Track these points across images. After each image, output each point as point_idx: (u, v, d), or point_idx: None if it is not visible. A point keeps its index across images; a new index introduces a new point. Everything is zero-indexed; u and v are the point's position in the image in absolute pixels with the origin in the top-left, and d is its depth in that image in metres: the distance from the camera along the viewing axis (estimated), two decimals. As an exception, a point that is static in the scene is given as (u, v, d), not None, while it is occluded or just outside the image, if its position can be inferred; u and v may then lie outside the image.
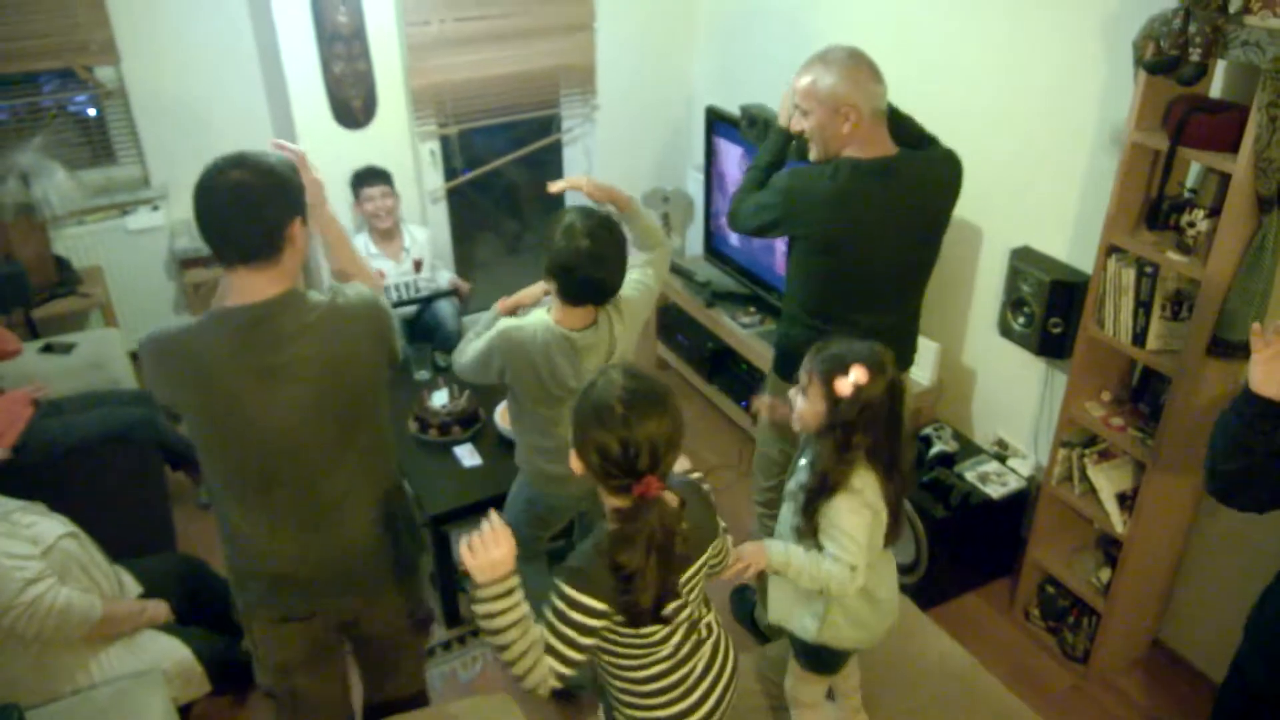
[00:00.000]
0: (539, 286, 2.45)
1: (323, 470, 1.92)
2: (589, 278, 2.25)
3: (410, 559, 2.18)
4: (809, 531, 1.96)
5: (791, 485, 2.07)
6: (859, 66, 2.35)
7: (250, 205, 1.75)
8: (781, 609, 2.12)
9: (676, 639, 1.74)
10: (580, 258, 2.21)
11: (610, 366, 1.65)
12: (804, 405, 1.95)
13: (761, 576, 2.17)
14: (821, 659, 2.13)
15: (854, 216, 2.39)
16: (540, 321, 2.34)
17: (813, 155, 2.47)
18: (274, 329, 1.80)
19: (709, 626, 1.84)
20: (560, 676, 1.60)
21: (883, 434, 1.91)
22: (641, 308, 2.45)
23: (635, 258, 2.47)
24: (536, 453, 2.54)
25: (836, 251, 2.45)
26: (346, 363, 1.87)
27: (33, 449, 3.13)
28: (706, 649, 1.82)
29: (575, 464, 1.62)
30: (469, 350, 2.44)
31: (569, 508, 2.72)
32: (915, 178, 2.44)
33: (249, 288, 1.80)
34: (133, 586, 2.60)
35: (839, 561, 1.90)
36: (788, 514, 2.07)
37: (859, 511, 1.90)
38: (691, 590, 1.74)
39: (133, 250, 4.41)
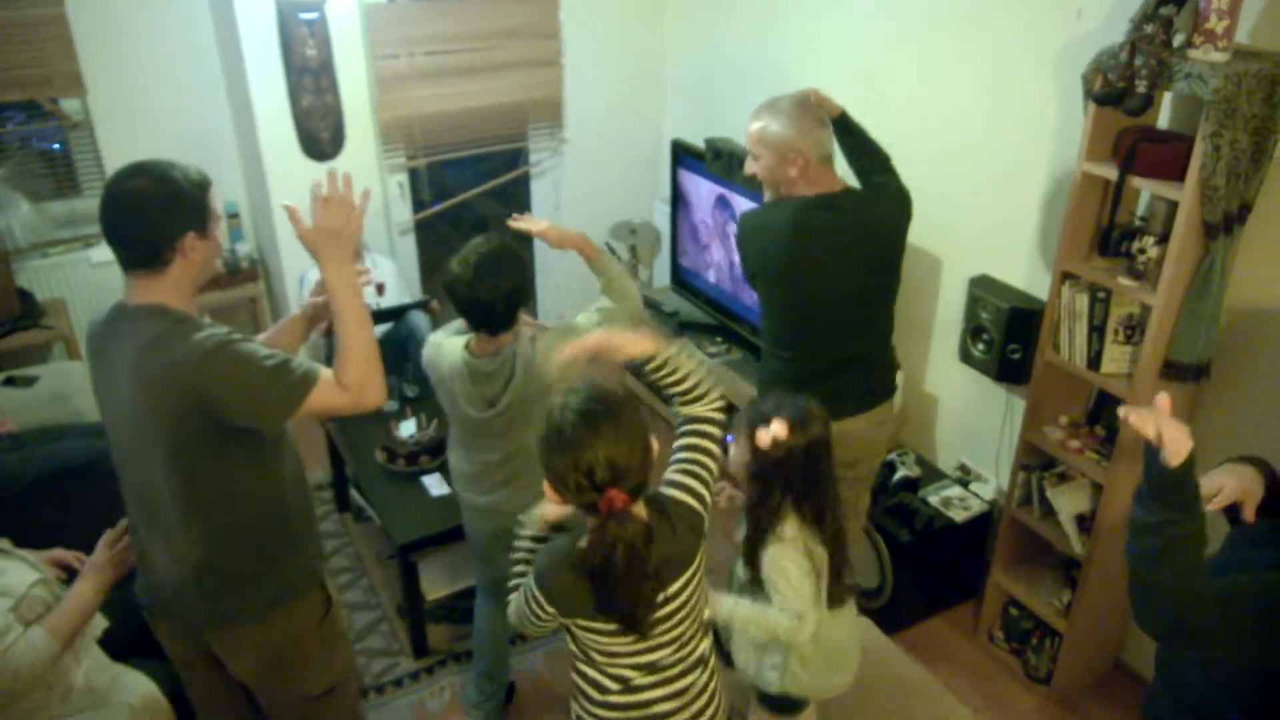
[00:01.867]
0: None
1: (148, 484, 1.92)
2: (465, 300, 2.30)
3: (257, 614, 2.02)
4: (754, 581, 2.00)
5: (738, 536, 2.12)
6: (805, 114, 2.47)
7: (141, 214, 1.79)
8: (743, 660, 2.14)
9: (637, 661, 1.71)
10: (457, 281, 2.28)
11: (569, 389, 1.65)
12: (735, 452, 2.02)
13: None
14: (781, 703, 2.15)
15: (805, 246, 2.48)
16: (456, 343, 2.42)
17: (766, 197, 2.61)
18: (120, 331, 1.84)
19: (690, 673, 1.77)
20: (516, 622, 1.78)
21: (802, 486, 1.96)
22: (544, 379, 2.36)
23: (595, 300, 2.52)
24: (456, 475, 2.61)
25: (794, 282, 2.53)
26: (152, 394, 1.80)
27: (-7, 483, 3.09)
28: (682, 690, 1.76)
29: (549, 493, 1.63)
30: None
31: (486, 539, 2.63)
32: (860, 209, 2.57)
33: (131, 290, 1.86)
34: (98, 620, 2.56)
35: (784, 610, 1.93)
36: (739, 564, 2.11)
37: (795, 559, 1.93)
38: (676, 611, 1.70)
39: (96, 283, 4.36)
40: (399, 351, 4.15)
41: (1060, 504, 2.87)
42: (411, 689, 3.08)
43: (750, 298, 3.86)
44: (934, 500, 3.28)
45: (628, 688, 1.73)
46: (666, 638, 1.71)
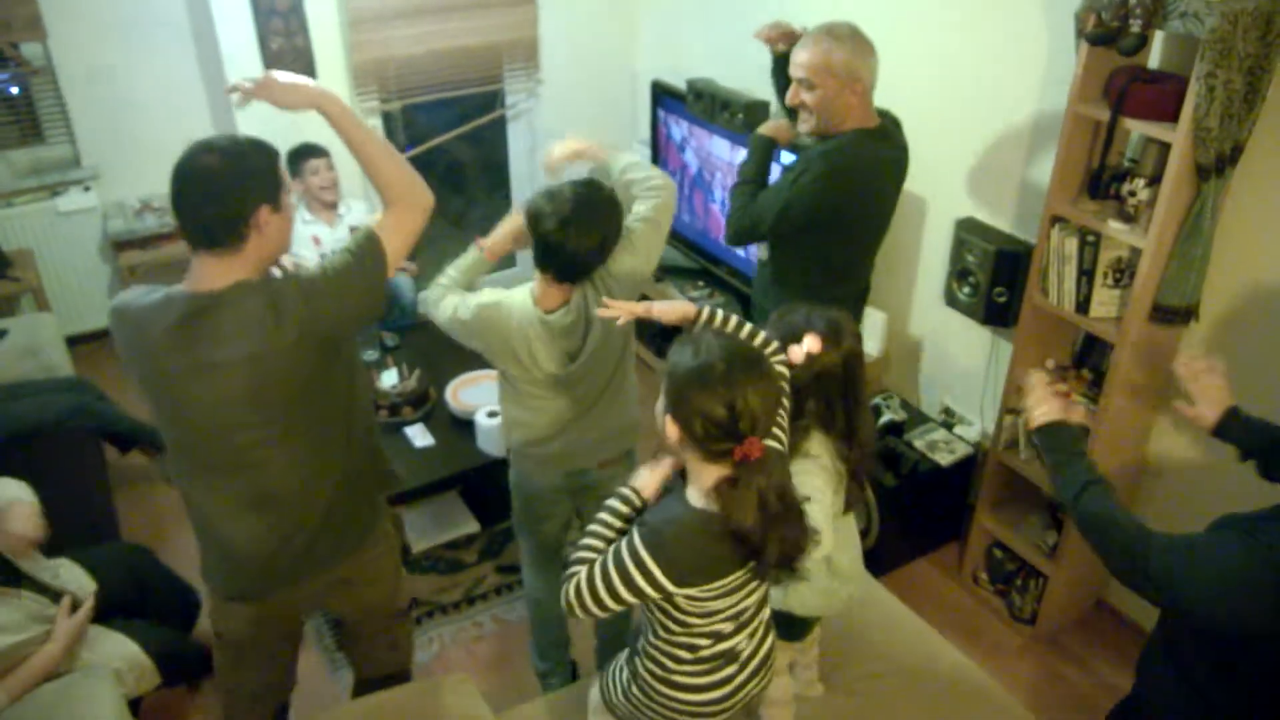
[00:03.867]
0: (515, 221, 2.32)
1: (259, 460, 1.87)
2: (553, 249, 2.14)
3: (373, 530, 2.12)
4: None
5: None
6: (863, 40, 2.46)
7: (214, 190, 1.72)
8: None
9: (731, 612, 1.69)
10: (546, 229, 2.12)
11: (703, 333, 1.59)
12: None
13: None
14: (790, 626, 2.15)
15: (877, 183, 2.55)
16: (519, 301, 2.26)
17: (806, 127, 2.53)
18: (213, 325, 1.76)
19: (759, 612, 1.79)
20: (579, 600, 1.63)
21: (837, 401, 1.92)
22: (632, 285, 2.32)
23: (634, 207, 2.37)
24: (515, 427, 2.43)
25: (860, 220, 2.55)
26: (281, 364, 1.79)
27: (-35, 440, 3.03)
28: (754, 630, 1.78)
29: (671, 431, 1.56)
30: (444, 305, 2.32)
31: (552, 498, 2.54)
32: (898, 139, 2.61)
33: (204, 274, 1.78)
34: (87, 582, 2.53)
35: None
36: None
37: (818, 475, 1.91)
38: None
39: (64, 233, 4.27)
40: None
41: (1069, 413, 2.87)
42: (400, 640, 3.09)
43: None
44: (919, 444, 3.28)
45: (719, 638, 1.72)
46: (753, 586, 1.70)
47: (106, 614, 2.50)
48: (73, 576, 2.50)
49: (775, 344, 1.79)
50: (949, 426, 3.39)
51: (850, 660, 2.37)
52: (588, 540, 1.70)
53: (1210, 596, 1.61)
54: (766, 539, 1.55)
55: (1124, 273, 2.59)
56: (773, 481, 1.54)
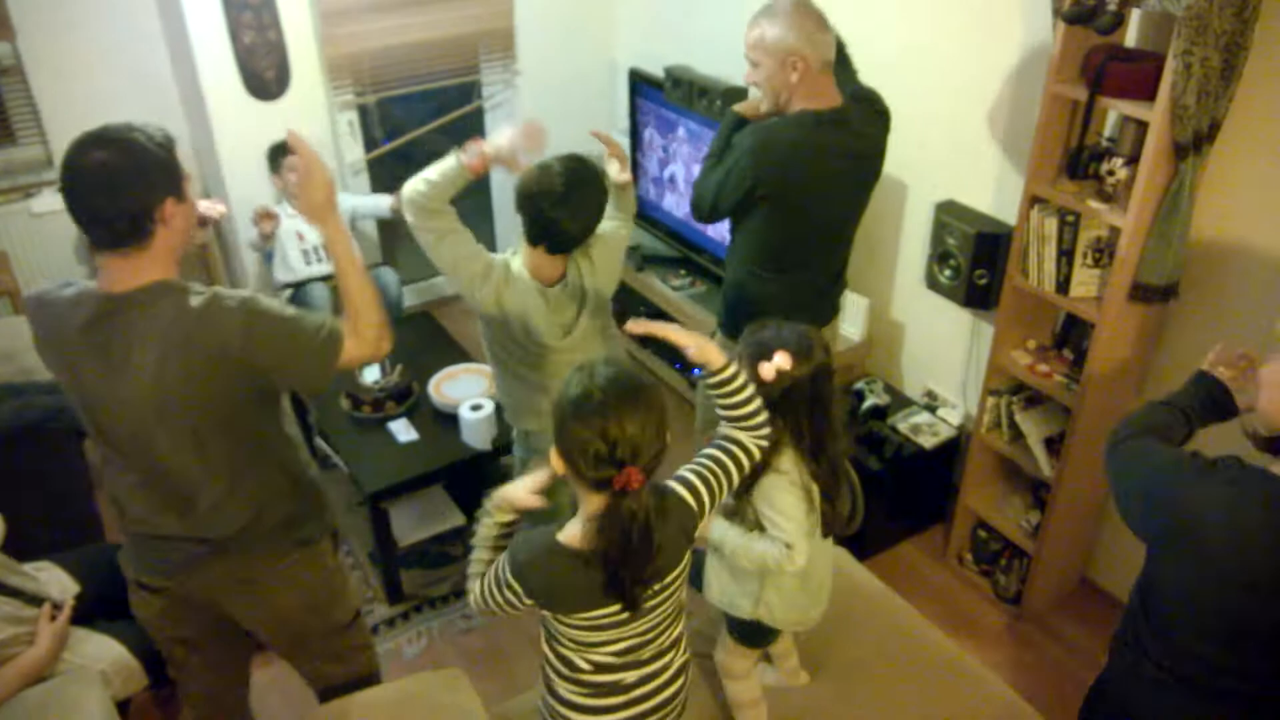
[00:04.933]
0: (507, 134, 2.32)
1: (168, 460, 1.82)
2: (545, 225, 2.22)
3: (292, 548, 2.04)
4: (740, 511, 1.98)
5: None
6: (804, 16, 2.39)
7: (114, 187, 1.65)
8: (715, 591, 2.13)
9: (612, 648, 1.69)
10: (551, 204, 2.20)
11: (588, 362, 1.60)
12: None
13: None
14: (753, 634, 2.15)
15: (815, 166, 2.45)
16: (517, 272, 2.31)
17: (764, 107, 2.52)
18: (124, 326, 1.71)
19: (665, 653, 1.76)
20: (480, 606, 1.73)
21: (805, 418, 1.90)
22: (615, 247, 2.45)
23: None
24: (519, 383, 2.46)
25: (795, 201, 2.49)
26: (195, 376, 1.73)
27: (-57, 446, 3.00)
28: (653, 671, 1.76)
29: (555, 462, 1.58)
30: (435, 229, 2.29)
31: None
32: (861, 127, 2.52)
33: (114, 275, 1.73)
34: (70, 585, 2.51)
35: (775, 541, 1.91)
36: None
37: (789, 490, 1.91)
38: (659, 605, 1.68)
39: (39, 234, 4.21)
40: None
41: (1029, 427, 2.90)
42: (387, 635, 3.08)
43: (714, 230, 3.81)
44: (903, 427, 3.29)
45: (599, 669, 1.72)
46: (644, 625, 1.69)
47: (91, 615, 2.47)
48: (54, 579, 2.48)
49: (767, 430, 1.76)
50: (932, 409, 3.40)
51: (835, 645, 2.38)
52: (475, 553, 1.78)
53: (1121, 494, 1.75)
54: (622, 567, 1.56)
55: (1103, 252, 2.60)
56: (642, 513, 1.54)
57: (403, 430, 3.20)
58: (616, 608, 1.62)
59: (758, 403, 1.73)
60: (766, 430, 1.75)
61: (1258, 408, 1.70)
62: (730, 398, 1.71)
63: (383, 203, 4.20)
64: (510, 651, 3.01)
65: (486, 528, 1.77)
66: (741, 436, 1.73)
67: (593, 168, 2.28)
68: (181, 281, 1.77)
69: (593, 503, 1.57)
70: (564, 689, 1.76)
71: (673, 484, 1.67)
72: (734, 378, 1.69)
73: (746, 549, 1.94)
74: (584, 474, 1.53)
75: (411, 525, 3.29)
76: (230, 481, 1.89)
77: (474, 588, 1.73)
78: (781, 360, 1.83)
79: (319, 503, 2.10)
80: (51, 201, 4.18)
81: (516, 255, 2.39)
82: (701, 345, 1.71)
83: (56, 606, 2.36)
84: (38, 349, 1.85)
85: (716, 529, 1.98)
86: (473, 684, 2.30)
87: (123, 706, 2.41)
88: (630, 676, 1.73)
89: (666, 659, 1.77)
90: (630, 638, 1.69)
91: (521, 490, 1.74)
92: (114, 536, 3.22)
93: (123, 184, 1.65)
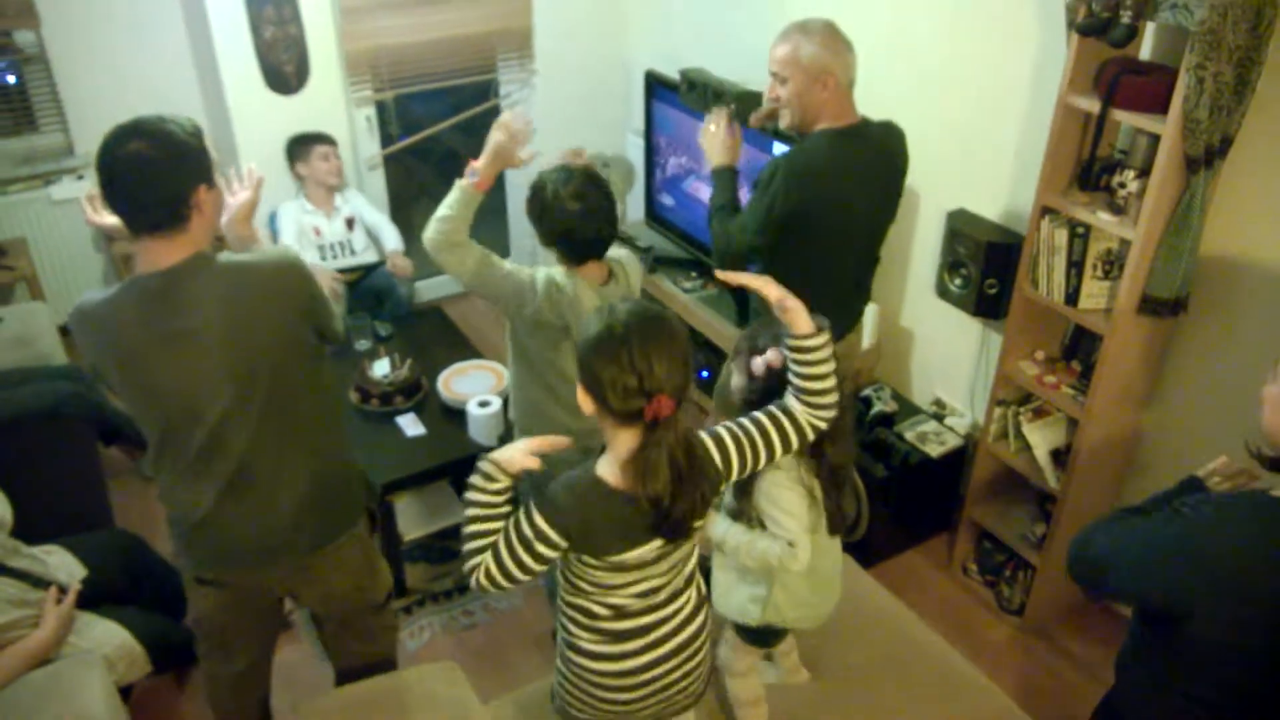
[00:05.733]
0: (496, 140, 2.39)
1: (236, 439, 1.87)
2: (587, 238, 2.31)
3: (345, 528, 2.12)
4: (741, 510, 1.98)
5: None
6: (836, 36, 2.45)
7: (152, 176, 1.73)
8: (721, 600, 2.13)
9: (632, 590, 1.70)
10: (574, 219, 2.28)
11: (613, 302, 1.62)
12: (735, 378, 1.97)
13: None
14: (760, 634, 2.15)
15: (844, 182, 2.49)
16: (576, 282, 2.35)
17: (785, 122, 2.55)
18: (180, 295, 1.79)
19: (680, 593, 1.77)
20: (491, 581, 1.64)
21: None
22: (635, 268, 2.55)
23: None
24: (545, 400, 2.49)
25: (826, 219, 2.50)
26: (251, 328, 1.82)
27: (-41, 428, 3.04)
28: (671, 613, 1.76)
29: (583, 401, 1.58)
30: (471, 257, 2.33)
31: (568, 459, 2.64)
32: (880, 142, 2.57)
33: (157, 256, 1.79)
34: (76, 568, 2.54)
35: (776, 539, 1.91)
36: (727, 492, 2.09)
37: (790, 487, 1.90)
38: (674, 551, 1.69)
39: (58, 221, 4.26)
40: (372, 296, 4.12)
41: (1036, 439, 2.89)
42: (391, 629, 3.09)
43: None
44: (910, 435, 3.29)
45: (619, 614, 1.72)
46: (664, 567, 1.70)
47: (97, 600, 2.50)
48: (62, 562, 2.51)
49: (831, 412, 1.73)
50: (940, 418, 3.39)
51: (835, 648, 2.38)
52: (475, 525, 1.66)
53: (1134, 572, 1.65)
54: (675, 500, 1.57)
55: (1113, 264, 2.60)
56: (679, 438, 1.56)
57: (410, 424, 3.22)
58: (652, 545, 1.63)
59: (833, 381, 1.69)
60: (832, 413, 1.71)
61: (1263, 427, 1.69)
62: (807, 366, 1.67)
63: (388, 235, 4.22)
64: (511, 648, 3.02)
65: (487, 496, 1.66)
66: (797, 409, 1.69)
67: (586, 172, 2.34)
68: (213, 253, 1.85)
69: (625, 440, 1.57)
70: (584, 639, 1.76)
71: (702, 434, 1.66)
72: (818, 346, 1.65)
73: (749, 547, 1.93)
74: (614, 408, 1.53)
75: (417, 520, 3.31)
76: (289, 461, 1.95)
77: (483, 561, 1.65)
78: (772, 357, 1.84)
79: (362, 482, 2.18)
80: (71, 189, 4.23)
81: (554, 268, 2.40)
82: (790, 303, 1.68)
83: (63, 590, 2.39)
84: (94, 360, 1.88)
85: (718, 527, 1.97)
86: (473, 678, 2.32)
87: (125, 692, 2.44)
88: (647, 619, 1.74)
89: (682, 599, 1.78)
90: (652, 578, 1.70)
91: (519, 453, 1.68)
92: (123, 522, 3.26)
93: (160, 172, 1.73)
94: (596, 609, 1.72)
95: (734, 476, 1.69)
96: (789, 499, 1.90)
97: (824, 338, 1.66)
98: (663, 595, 1.74)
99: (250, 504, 1.94)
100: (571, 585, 1.73)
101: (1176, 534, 1.61)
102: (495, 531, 1.65)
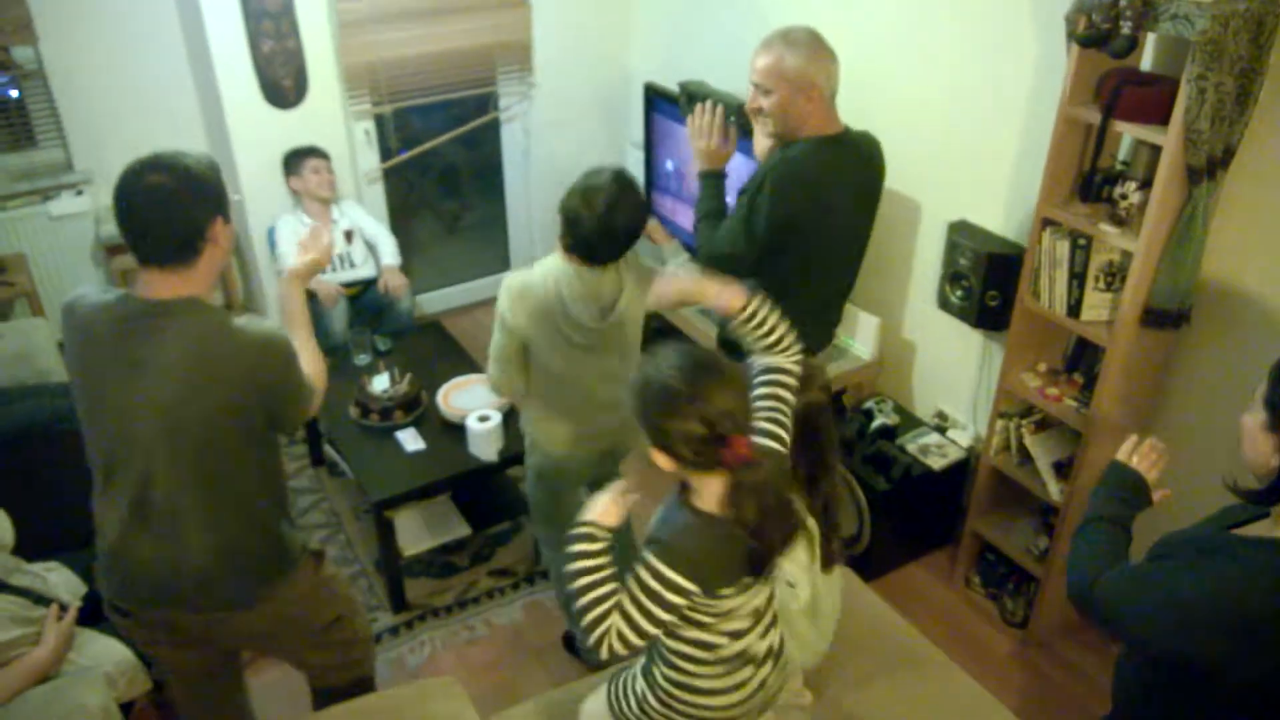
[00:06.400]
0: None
1: (160, 478, 1.86)
2: (590, 236, 2.29)
3: (266, 592, 2.05)
4: None
5: None
6: (820, 46, 2.44)
7: (168, 210, 1.76)
8: None
9: (747, 610, 1.71)
10: (580, 218, 2.27)
11: (652, 352, 1.61)
12: None
13: None
14: None
15: (833, 189, 2.49)
16: (548, 264, 2.38)
17: (768, 130, 2.53)
18: (154, 330, 1.79)
19: (770, 599, 1.80)
20: (624, 644, 1.59)
21: (800, 451, 1.86)
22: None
23: None
24: (546, 406, 2.53)
25: (808, 227, 2.49)
26: (201, 388, 1.81)
27: (-42, 444, 3.02)
28: (766, 627, 1.79)
29: (661, 461, 1.57)
30: (493, 354, 2.49)
31: (576, 472, 2.67)
32: (862, 150, 2.57)
33: (153, 286, 1.81)
34: (77, 585, 2.52)
35: (775, 580, 1.89)
36: None
37: None
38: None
39: (57, 236, 4.25)
40: (372, 310, 4.11)
41: (1038, 451, 2.88)
42: (391, 644, 3.08)
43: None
44: (911, 448, 3.28)
45: (736, 636, 1.72)
46: (766, 575, 1.72)
47: (98, 617, 2.48)
48: (63, 579, 2.49)
49: (798, 345, 1.79)
50: (942, 430, 3.38)
51: (837, 665, 2.36)
52: (592, 593, 1.60)
53: (1160, 630, 1.59)
54: (769, 533, 1.59)
55: (1115, 276, 2.59)
56: (768, 478, 1.58)
57: (410, 439, 3.20)
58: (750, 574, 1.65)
59: (785, 324, 1.77)
60: (798, 347, 1.78)
61: (1243, 458, 1.67)
62: (761, 329, 1.75)
63: (385, 249, 4.20)
64: (511, 663, 3.00)
65: (594, 561, 1.62)
66: (781, 361, 1.77)
67: (633, 185, 2.34)
68: (211, 303, 1.87)
69: (712, 486, 1.58)
70: (701, 678, 1.74)
71: (755, 438, 1.67)
72: (759, 308, 1.75)
73: None
74: (692, 461, 1.54)
75: (417, 535, 3.30)
76: (209, 517, 1.92)
77: (611, 625, 1.58)
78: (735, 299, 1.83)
79: (294, 532, 2.12)
80: (70, 204, 4.22)
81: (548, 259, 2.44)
82: (725, 293, 1.77)
83: (63, 607, 2.38)
84: (64, 351, 1.91)
85: None
86: (474, 693, 2.30)
87: (125, 709, 2.41)
88: (754, 636, 1.75)
89: (773, 607, 1.81)
90: (757, 598, 1.71)
91: (613, 506, 1.68)
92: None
93: (178, 206, 1.76)
94: (716, 640, 1.71)
95: (789, 448, 1.72)
96: None
97: (757, 298, 1.76)
98: (766, 613, 1.76)
99: (160, 544, 1.92)
100: (689, 622, 1.69)
101: (1208, 594, 1.55)
102: (613, 593, 1.61)
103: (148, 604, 2.01)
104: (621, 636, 1.59)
